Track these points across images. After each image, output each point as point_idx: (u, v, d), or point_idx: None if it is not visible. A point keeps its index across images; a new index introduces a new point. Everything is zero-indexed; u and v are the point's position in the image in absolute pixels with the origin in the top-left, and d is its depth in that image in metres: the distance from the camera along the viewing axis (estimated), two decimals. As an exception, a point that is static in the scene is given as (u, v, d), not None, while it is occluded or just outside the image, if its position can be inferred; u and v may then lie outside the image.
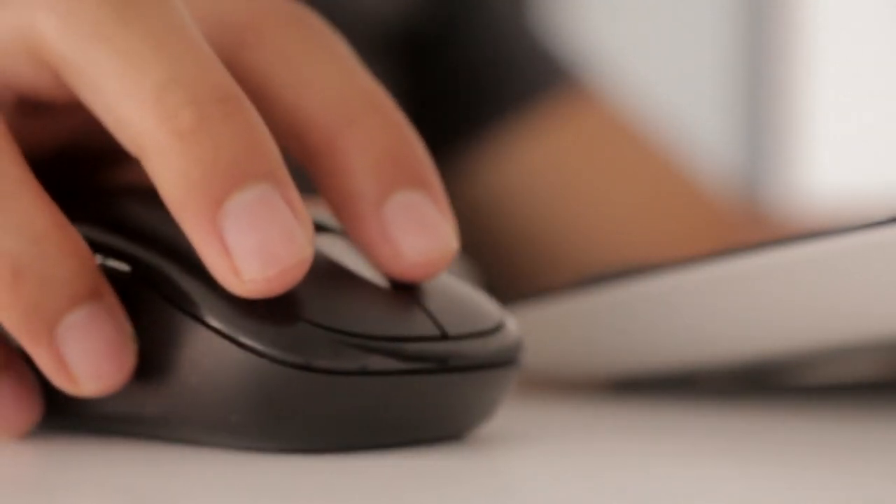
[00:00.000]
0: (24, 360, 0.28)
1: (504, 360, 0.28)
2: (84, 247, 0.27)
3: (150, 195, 0.27)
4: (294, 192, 0.26)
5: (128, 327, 0.27)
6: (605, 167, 0.64)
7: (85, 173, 0.31)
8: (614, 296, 0.35)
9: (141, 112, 0.26)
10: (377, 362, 0.26)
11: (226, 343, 0.26)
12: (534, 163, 0.63)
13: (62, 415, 0.29)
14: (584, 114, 0.64)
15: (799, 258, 0.32)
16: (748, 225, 0.65)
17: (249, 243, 0.25)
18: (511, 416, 0.29)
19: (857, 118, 1.93)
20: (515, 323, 0.29)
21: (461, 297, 0.28)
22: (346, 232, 0.28)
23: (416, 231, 0.28)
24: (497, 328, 0.28)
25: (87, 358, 0.27)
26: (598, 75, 0.66)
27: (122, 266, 0.28)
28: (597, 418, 0.34)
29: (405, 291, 0.28)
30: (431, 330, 0.27)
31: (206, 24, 0.28)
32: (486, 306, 0.28)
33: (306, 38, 0.29)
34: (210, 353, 0.26)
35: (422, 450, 0.27)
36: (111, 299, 0.27)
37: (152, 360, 0.27)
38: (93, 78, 0.26)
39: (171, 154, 0.25)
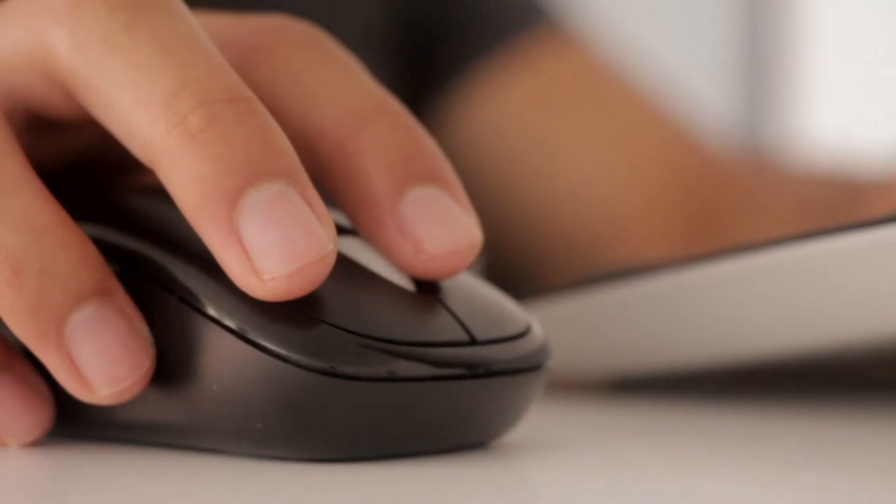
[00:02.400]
0: (36, 368, 0.28)
1: (533, 365, 0.27)
2: (88, 243, 0.26)
3: (161, 194, 0.26)
4: (312, 191, 0.25)
5: (143, 328, 0.26)
6: (582, 109, 0.63)
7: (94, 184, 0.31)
8: (614, 296, 0.35)
9: (151, 120, 0.25)
10: (405, 368, 0.25)
11: (247, 347, 0.25)
12: (510, 104, 0.62)
13: (75, 422, 0.28)
14: (563, 54, 0.63)
15: (799, 258, 0.32)
16: (740, 170, 0.64)
17: (268, 240, 0.25)
18: (530, 420, 0.29)
19: (858, 64, 1.92)
20: (540, 327, 0.28)
21: (486, 301, 0.28)
22: (365, 235, 0.28)
23: (435, 225, 0.27)
24: (524, 332, 0.27)
25: (100, 359, 0.26)
26: (579, 16, 0.65)
27: (133, 267, 0.27)
28: (615, 423, 0.34)
29: (430, 295, 0.27)
30: (460, 335, 0.26)
31: (217, 46, 0.27)
32: (511, 310, 0.28)
33: (315, 55, 0.28)
34: (232, 358, 0.26)
35: (447, 458, 0.27)
36: (122, 298, 0.26)
37: (170, 365, 0.26)
38: (104, 91, 0.26)
39: (182, 157, 0.25)
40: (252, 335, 0.25)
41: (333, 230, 0.25)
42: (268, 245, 0.25)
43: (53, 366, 0.26)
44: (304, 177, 0.25)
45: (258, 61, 0.28)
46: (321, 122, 0.28)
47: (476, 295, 0.28)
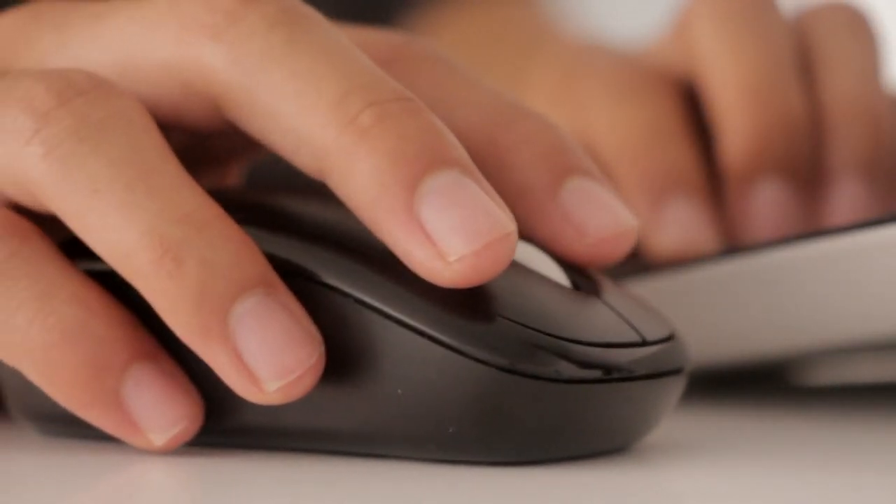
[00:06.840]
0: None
1: (685, 365, 0.28)
2: (249, 239, 0.26)
3: (315, 195, 0.26)
4: (484, 181, 0.25)
5: (309, 324, 0.26)
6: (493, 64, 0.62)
7: None
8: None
9: (322, 125, 0.25)
10: (589, 369, 0.25)
11: (436, 347, 0.25)
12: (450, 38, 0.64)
13: (228, 429, 0.27)
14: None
15: (799, 258, 0.32)
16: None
17: (451, 221, 0.25)
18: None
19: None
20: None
21: (635, 301, 0.28)
22: (526, 225, 0.28)
23: (597, 210, 0.28)
24: (674, 332, 0.28)
25: (266, 350, 0.25)
26: None
27: (301, 271, 0.26)
28: (727, 422, 0.33)
29: (593, 295, 0.27)
30: (633, 336, 0.27)
31: None
32: (655, 309, 0.28)
33: (448, 66, 0.30)
34: (418, 359, 0.25)
35: (591, 462, 0.27)
36: (285, 294, 0.26)
37: (348, 370, 0.26)
38: (267, 103, 0.26)
39: (357, 154, 0.25)
40: (440, 335, 0.25)
41: (511, 214, 0.25)
42: (451, 226, 0.25)
43: (218, 362, 0.25)
44: (474, 167, 0.26)
45: (398, 71, 0.28)
46: (469, 122, 0.28)
47: (625, 296, 0.28)
